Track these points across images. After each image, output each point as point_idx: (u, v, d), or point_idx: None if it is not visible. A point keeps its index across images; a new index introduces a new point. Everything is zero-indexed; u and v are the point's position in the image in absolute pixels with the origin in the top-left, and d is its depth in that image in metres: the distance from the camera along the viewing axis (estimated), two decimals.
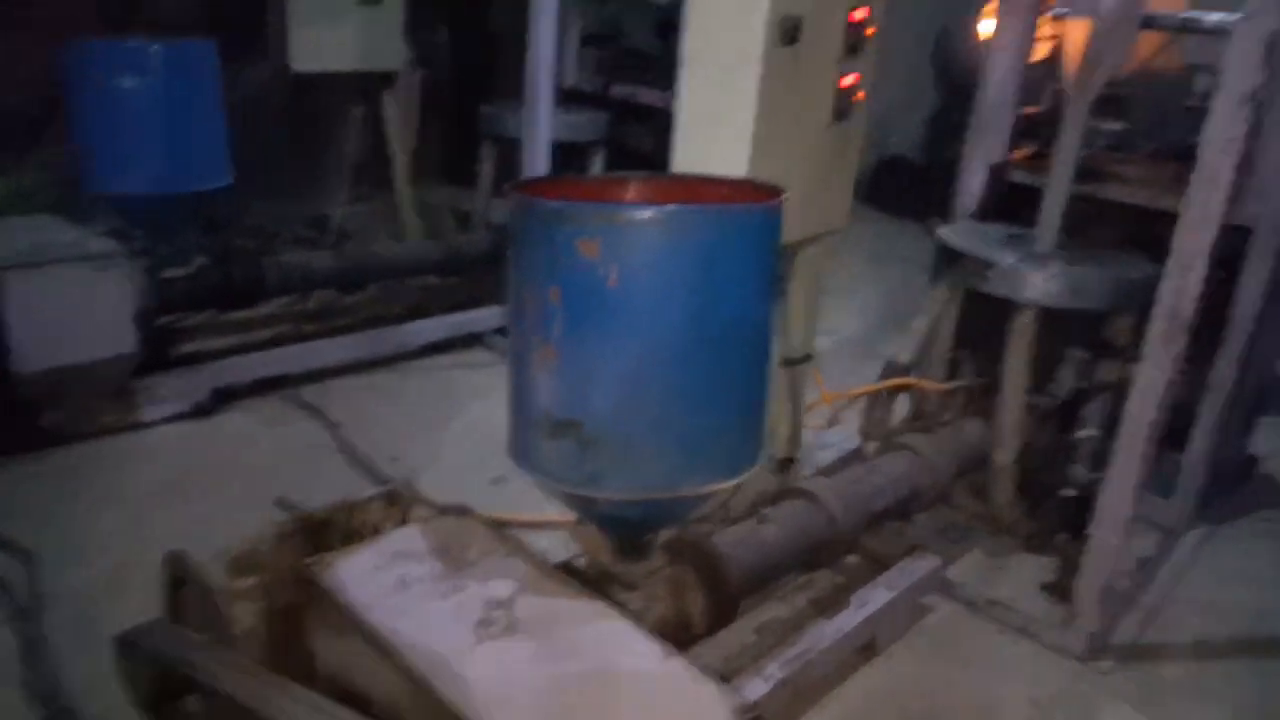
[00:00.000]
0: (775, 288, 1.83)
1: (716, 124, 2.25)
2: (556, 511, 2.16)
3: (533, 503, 2.28)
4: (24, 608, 2.33)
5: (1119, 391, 2.49)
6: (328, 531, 1.97)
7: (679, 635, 1.92)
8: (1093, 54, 2.43)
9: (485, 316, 4.03)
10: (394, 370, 3.88)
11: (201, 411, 3.34)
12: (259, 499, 2.59)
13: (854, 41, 2.36)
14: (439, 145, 5.18)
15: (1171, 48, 2.89)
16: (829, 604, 2.31)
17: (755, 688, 1.94)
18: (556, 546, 2.34)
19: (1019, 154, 3.08)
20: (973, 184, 3.05)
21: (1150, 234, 2.51)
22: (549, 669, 1.49)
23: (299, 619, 1.75)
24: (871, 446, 2.92)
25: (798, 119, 2.32)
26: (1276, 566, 2.97)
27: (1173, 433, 3.00)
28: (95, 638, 1.97)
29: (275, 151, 4.46)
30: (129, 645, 1.82)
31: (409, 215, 4.31)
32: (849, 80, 2.39)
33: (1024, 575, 2.76)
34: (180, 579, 1.83)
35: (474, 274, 4.15)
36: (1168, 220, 2.17)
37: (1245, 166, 2.67)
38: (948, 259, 2.70)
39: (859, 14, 2.33)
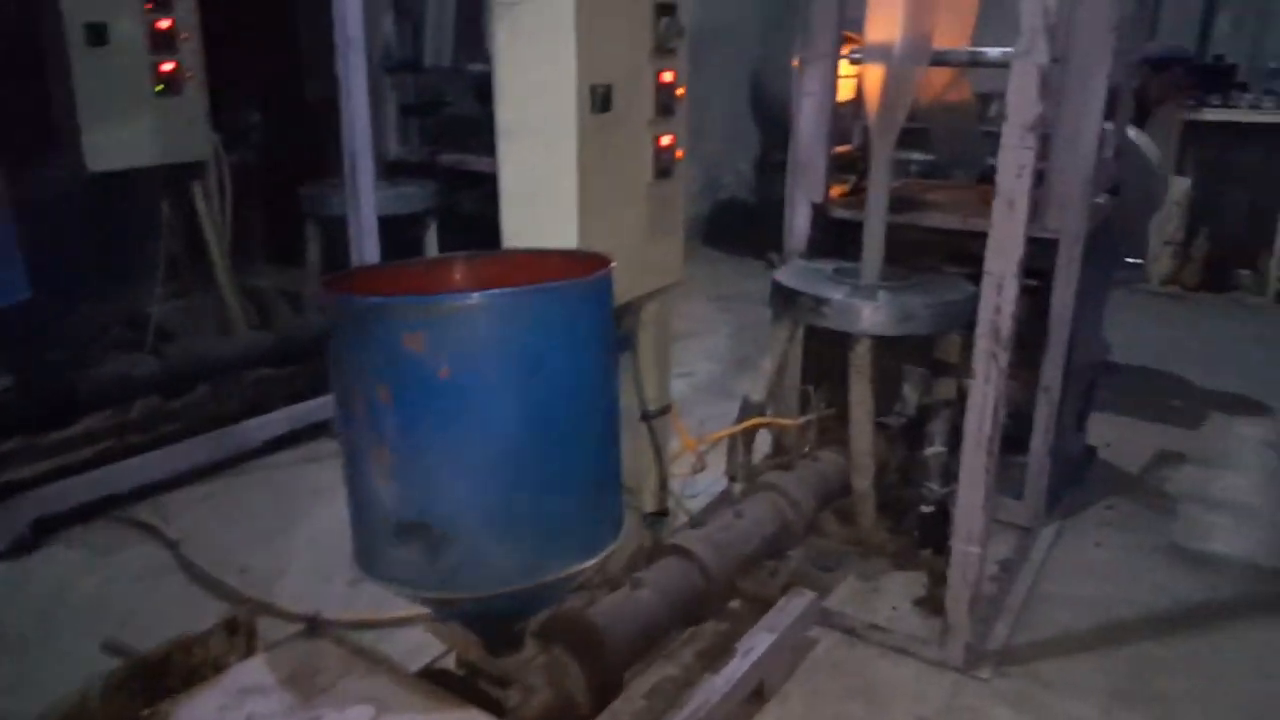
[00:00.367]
0: (614, 356, 1.80)
1: (541, 194, 2.23)
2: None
3: (396, 597, 2.16)
4: None
5: (958, 407, 2.60)
6: (167, 673, 1.79)
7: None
8: (888, 96, 2.56)
9: (328, 404, 3.84)
10: (236, 474, 3.64)
11: (21, 548, 3.03)
12: (90, 643, 2.34)
13: (666, 102, 2.39)
14: (264, 226, 4.97)
15: (963, 80, 3.08)
16: (715, 655, 2.28)
17: None
18: (428, 641, 2.22)
19: (838, 191, 3.21)
20: (799, 223, 3.15)
21: (968, 252, 2.65)
22: None
23: None
24: (738, 487, 2.94)
25: (621, 181, 2.33)
26: (1123, 552, 3.16)
27: (1017, 436, 3.19)
28: None
29: (80, 255, 4.16)
30: None
31: (234, 306, 4.09)
32: (667, 139, 2.43)
33: (898, 593, 2.83)
34: None
35: (311, 360, 3.96)
36: (981, 239, 2.28)
37: (1041, 183, 2.90)
38: (784, 298, 2.76)
39: (667, 76, 2.37)
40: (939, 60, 2.83)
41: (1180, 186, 6.15)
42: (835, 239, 3.11)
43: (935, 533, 2.71)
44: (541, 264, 1.93)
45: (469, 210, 4.38)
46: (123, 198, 3.98)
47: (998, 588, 2.83)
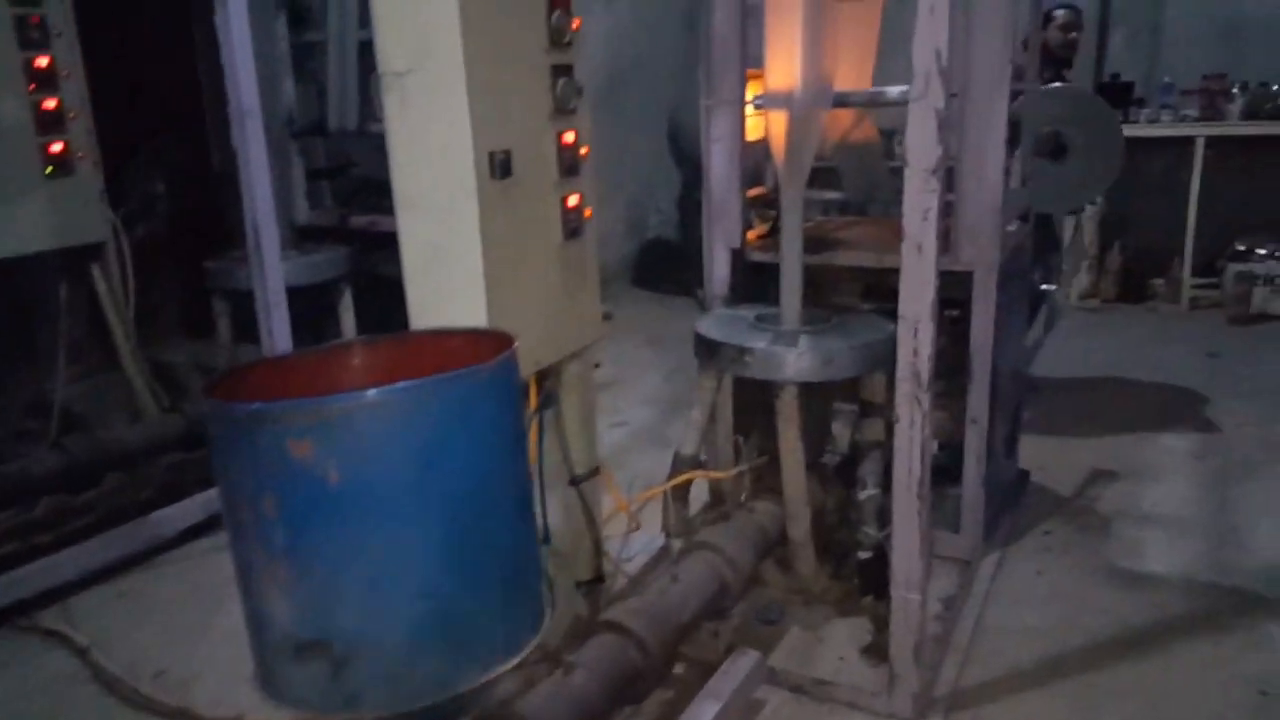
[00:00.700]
0: (523, 440, 1.72)
1: (445, 266, 2.15)
2: None
3: None
4: None
5: (889, 446, 2.56)
6: None
7: None
8: (794, 141, 2.54)
9: None
10: (148, 568, 3.45)
11: None
12: None
13: (571, 162, 2.34)
14: (177, 298, 4.80)
15: (867, 118, 3.09)
16: None
17: None
18: None
19: (758, 231, 3.18)
20: (718, 270, 3.11)
21: (888, 285, 2.62)
22: None
23: None
24: (677, 543, 2.86)
25: (529, 247, 2.26)
26: (1065, 577, 3.15)
27: (950, 467, 3.17)
28: None
29: None
30: None
31: (142, 390, 3.91)
32: (574, 200, 2.37)
33: (843, 641, 2.77)
34: None
35: None
36: (898, 273, 2.25)
37: (951, 214, 2.91)
38: (707, 349, 2.71)
39: (569, 136, 2.32)
40: (841, 102, 2.83)
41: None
42: (756, 281, 3.08)
43: (875, 579, 2.67)
44: (444, 345, 1.85)
45: (385, 273, 4.27)
46: (16, 285, 3.80)
47: (942, 626, 2.79)
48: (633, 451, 4.22)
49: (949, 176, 2.78)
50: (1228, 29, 6.64)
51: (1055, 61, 4.27)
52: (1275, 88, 6.20)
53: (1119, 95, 6.36)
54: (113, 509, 3.56)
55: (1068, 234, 6.16)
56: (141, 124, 4.32)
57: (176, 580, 3.39)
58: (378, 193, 4.35)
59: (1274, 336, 5.75)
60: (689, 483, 2.91)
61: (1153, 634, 2.83)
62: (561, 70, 2.27)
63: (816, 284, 3.07)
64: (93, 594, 3.29)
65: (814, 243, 2.96)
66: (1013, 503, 3.55)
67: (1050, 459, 3.93)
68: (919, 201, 2.15)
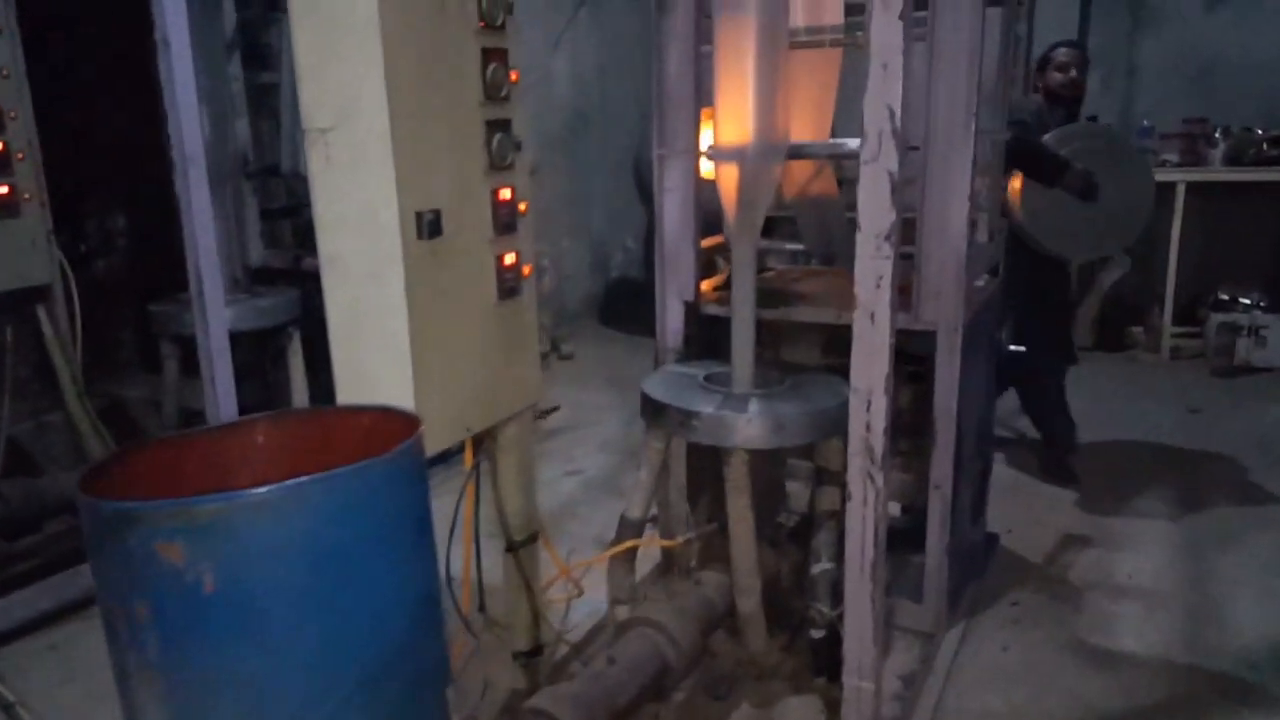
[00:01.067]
0: (428, 531, 1.60)
1: (370, 332, 2.05)
2: None
3: None
4: None
5: (844, 516, 2.44)
6: None
7: None
8: (745, 196, 2.45)
9: None
10: (83, 618, 3.30)
11: None
12: None
13: (508, 219, 2.24)
14: (135, 333, 4.69)
15: (826, 169, 2.99)
16: None
17: None
18: None
19: (711, 282, 3.08)
20: (671, 323, 3.01)
21: (848, 342, 2.51)
22: None
23: None
24: (622, 610, 2.73)
25: (460, 308, 2.16)
26: (1032, 653, 3.01)
27: (913, 531, 3.05)
28: None
29: None
30: None
31: (87, 434, 3.78)
32: (511, 258, 2.27)
33: None
34: None
35: None
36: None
37: (913, 273, 2.81)
38: (654, 410, 2.59)
39: (505, 193, 2.22)
40: (796, 154, 2.74)
41: None
42: (710, 334, 2.97)
43: (828, 659, 2.53)
44: (354, 423, 1.73)
45: None
46: None
47: (901, 707, 2.66)
48: (585, 503, 4.09)
49: (910, 229, 2.69)
50: (1202, 71, 6.62)
51: (1064, 102, 4.17)
52: (1259, 132, 6.10)
53: None
54: (55, 557, 3.45)
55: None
56: (101, 161, 4.22)
57: None
58: None
59: (1258, 391, 5.58)
60: (634, 549, 2.78)
61: None
62: (497, 125, 2.17)
63: (774, 337, 2.97)
64: (23, 645, 3.17)
65: (771, 295, 2.86)
66: (979, 570, 3.41)
67: (1020, 521, 3.80)
68: (872, 268, 2.05)
